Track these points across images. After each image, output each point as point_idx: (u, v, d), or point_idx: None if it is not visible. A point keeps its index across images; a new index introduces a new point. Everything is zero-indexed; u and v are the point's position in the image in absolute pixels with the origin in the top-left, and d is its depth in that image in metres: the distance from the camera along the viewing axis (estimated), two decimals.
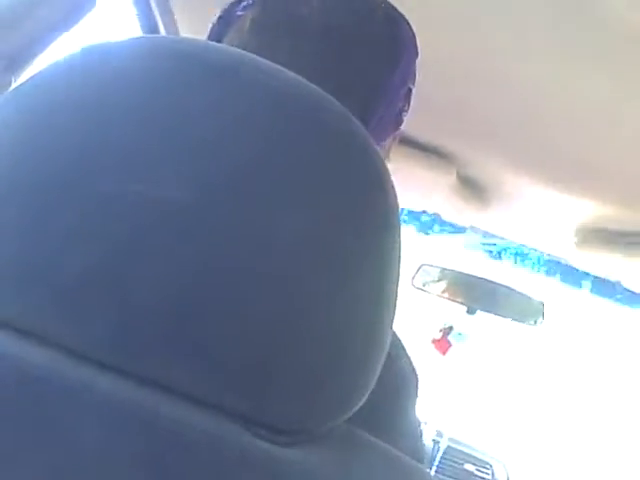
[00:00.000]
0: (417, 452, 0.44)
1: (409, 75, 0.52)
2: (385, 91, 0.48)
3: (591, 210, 1.16)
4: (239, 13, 0.48)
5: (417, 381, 0.51)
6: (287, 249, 0.30)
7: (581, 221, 1.23)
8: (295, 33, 0.35)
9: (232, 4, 0.50)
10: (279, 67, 0.34)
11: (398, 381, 0.47)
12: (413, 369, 0.51)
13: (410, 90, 0.53)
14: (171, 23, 0.91)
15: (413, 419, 0.48)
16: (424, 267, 1.73)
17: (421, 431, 0.48)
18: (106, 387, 0.29)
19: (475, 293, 1.70)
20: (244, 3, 0.50)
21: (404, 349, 0.50)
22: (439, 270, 1.73)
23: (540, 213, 1.26)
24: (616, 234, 1.20)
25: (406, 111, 0.54)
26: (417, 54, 0.53)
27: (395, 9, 0.52)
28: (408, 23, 0.52)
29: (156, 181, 0.29)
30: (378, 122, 0.48)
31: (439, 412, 1.98)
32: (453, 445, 1.89)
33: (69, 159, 0.30)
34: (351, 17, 0.47)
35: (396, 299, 0.35)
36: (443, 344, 1.97)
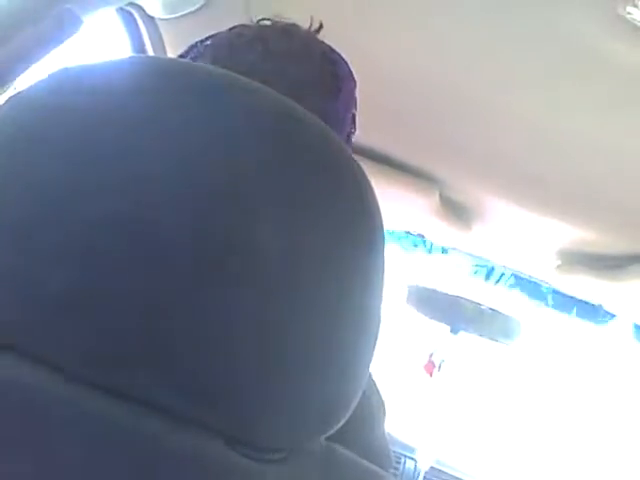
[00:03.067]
0: (386, 458, 0.47)
1: (351, 103, 0.58)
2: (331, 119, 0.53)
3: (572, 234, 1.17)
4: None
5: (385, 414, 0.55)
6: (268, 269, 0.30)
7: (563, 244, 1.24)
8: (245, 76, 0.38)
9: (182, 54, 0.55)
10: (268, 89, 0.35)
11: (369, 415, 0.51)
12: (382, 403, 0.56)
13: (354, 115, 0.59)
14: (159, 43, 0.92)
15: (383, 441, 0.52)
16: (408, 286, 1.74)
17: (389, 450, 0.52)
18: (88, 402, 0.29)
19: (458, 313, 1.71)
20: (193, 53, 0.54)
21: (375, 385, 0.53)
22: (423, 289, 1.73)
23: (522, 236, 1.27)
24: (597, 257, 1.22)
25: (354, 133, 0.60)
26: (355, 84, 0.59)
27: (331, 48, 0.58)
28: (345, 62, 0.59)
29: (140, 201, 0.30)
30: None
31: (422, 435, 1.97)
32: (436, 466, 1.89)
33: (55, 177, 0.30)
34: (292, 60, 0.53)
35: (380, 319, 0.35)
36: (429, 367, 1.97)
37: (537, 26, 0.67)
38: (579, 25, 0.64)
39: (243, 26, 0.57)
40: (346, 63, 0.58)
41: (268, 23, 0.58)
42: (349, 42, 0.58)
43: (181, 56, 0.55)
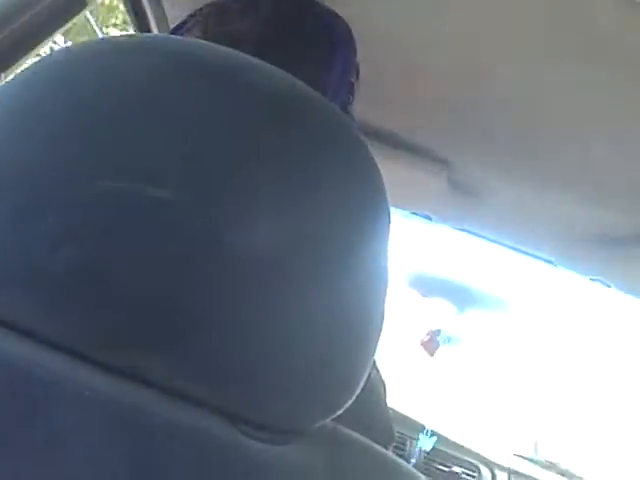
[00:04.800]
0: (388, 436, 0.47)
1: (349, 70, 0.55)
2: (325, 89, 0.51)
3: (582, 214, 1.17)
4: (183, 35, 0.51)
5: (385, 389, 0.55)
6: (273, 249, 0.30)
7: (571, 225, 1.24)
8: (235, 47, 0.37)
9: (175, 28, 0.54)
10: (274, 68, 0.34)
11: (371, 393, 0.50)
12: (381, 379, 0.55)
13: (352, 84, 0.55)
14: (163, 21, 0.91)
15: (385, 418, 0.52)
16: (413, 269, 1.74)
17: (392, 427, 0.52)
18: (91, 380, 0.29)
19: (462, 295, 1.72)
20: (190, 22, 0.53)
21: (375, 364, 0.53)
22: (428, 273, 1.74)
23: (530, 216, 1.27)
24: (605, 238, 1.21)
25: (351, 103, 0.56)
26: (355, 49, 0.56)
27: (328, 9, 0.55)
28: (343, 21, 0.55)
29: (146, 179, 0.29)
30: None
31: (428, 412, 1.99)
32: (439, 447, 1.90)
33: (62, 155, 0.30)
34: (284, 27, 0.51)
35: (385, 303, 0.35)
36: (430, 346, 1.98)
37: (540, 6, 0.66)
38: (582, 5, 0.63)
39: None
40: (345, 25, 0.55)
41: None
42: (359, 19, 0.57)
43: (180, 25, 0.54)
